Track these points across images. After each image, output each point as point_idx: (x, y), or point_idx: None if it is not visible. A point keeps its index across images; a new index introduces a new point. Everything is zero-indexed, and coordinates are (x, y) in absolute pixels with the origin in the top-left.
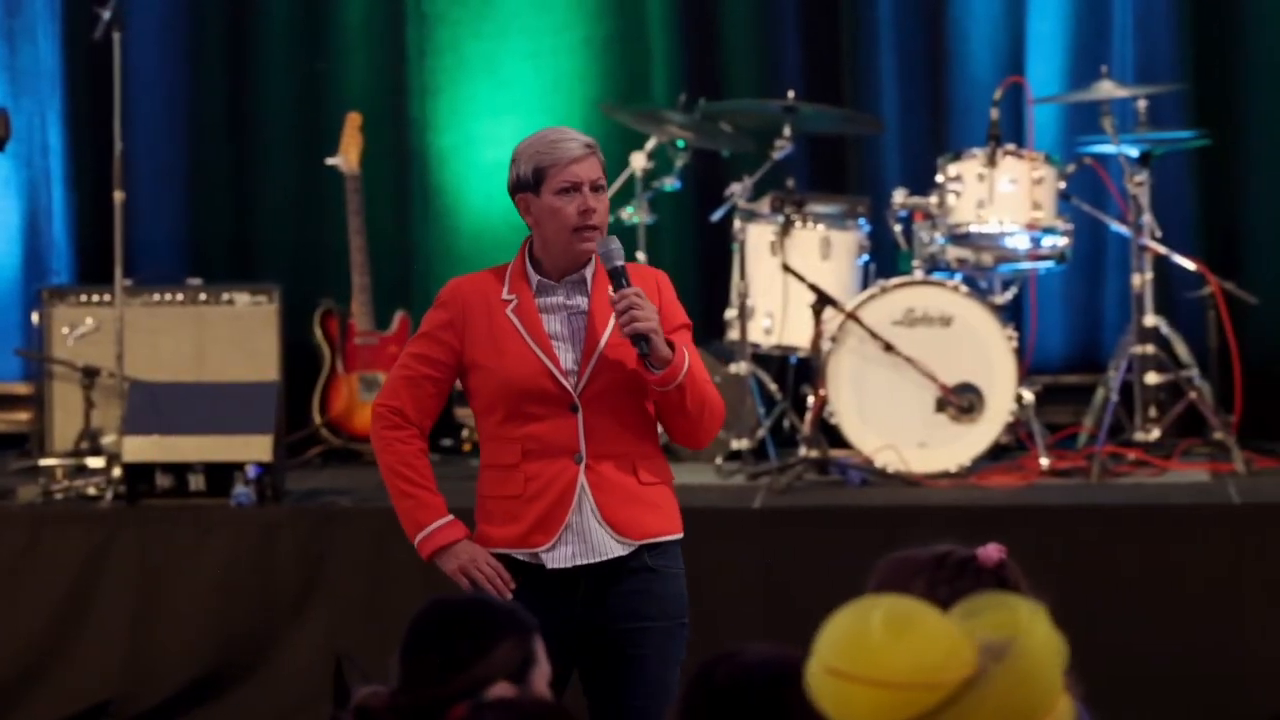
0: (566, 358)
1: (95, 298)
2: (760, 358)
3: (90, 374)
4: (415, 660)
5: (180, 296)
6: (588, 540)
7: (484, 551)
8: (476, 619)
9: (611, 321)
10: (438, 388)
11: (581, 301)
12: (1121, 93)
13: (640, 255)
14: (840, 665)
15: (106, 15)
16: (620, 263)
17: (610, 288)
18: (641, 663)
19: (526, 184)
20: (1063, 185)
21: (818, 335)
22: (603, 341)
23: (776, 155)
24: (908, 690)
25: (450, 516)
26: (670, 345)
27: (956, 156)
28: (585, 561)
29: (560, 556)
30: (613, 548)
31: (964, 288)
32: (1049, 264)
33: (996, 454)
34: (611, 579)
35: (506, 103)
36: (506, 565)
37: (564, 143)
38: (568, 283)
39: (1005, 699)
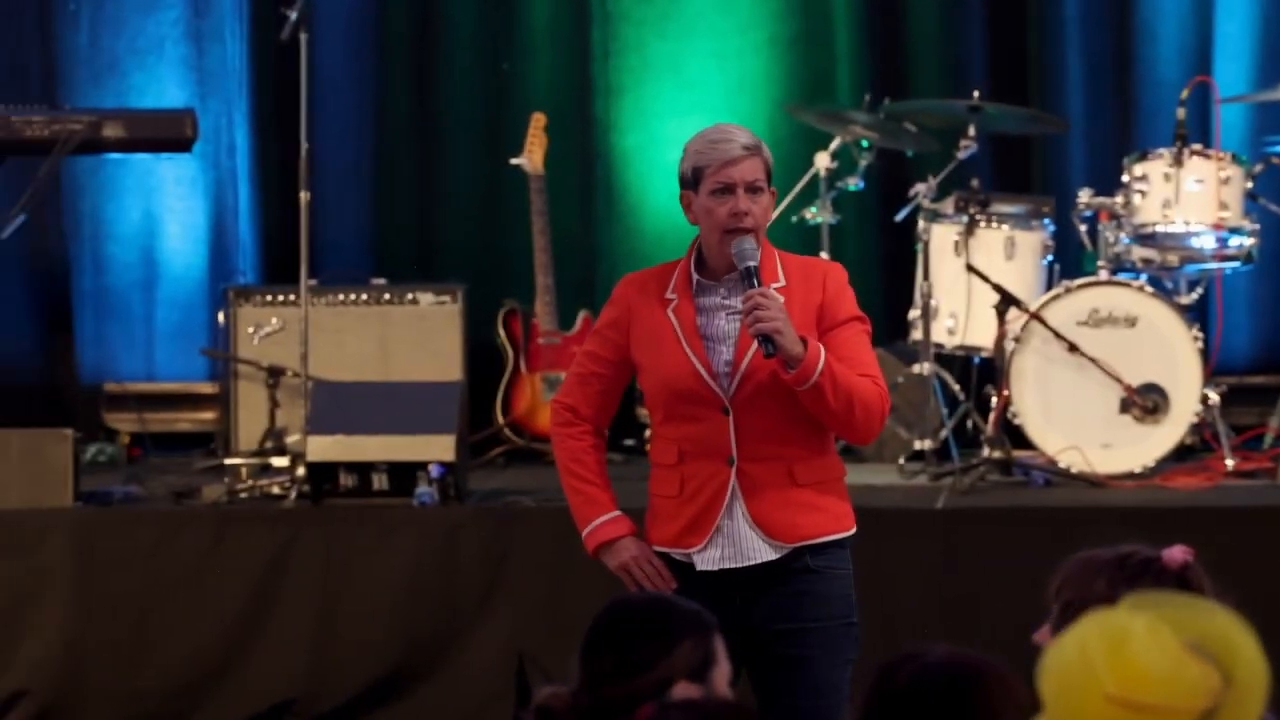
0: (720, 359)
1: (280, 297)
2: (943, 358)
3: (275, 373)
4: (596, 660)
5: (365, 296)
6: (736, 544)
7: (647, 549)
8: (658, 619)
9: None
10: (605, 385)
11: (739, 302)
12: None
13: (824, 254)
14: (1118, 691)
15: (294, 16)
16: (752, 263)
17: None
18: (806, 664)
19: (687, 182)
20: (1250, 185)
21: (1001, 335)
22: (755, 343)
23: (961, 155)
24: (1161, 714)
25: (616, 512)
26: (805, 343)
27: (1142, 156)
28: (732, 565)
29: (709, 559)
30: (763, 551)
31: (1149, 288)
32: (1235, 264)
33: (1181, 455)
34: (770, 581)
35: (691, 103)
36: (666, 565)
37: (724, 143)
38: (728, 281)
39: None
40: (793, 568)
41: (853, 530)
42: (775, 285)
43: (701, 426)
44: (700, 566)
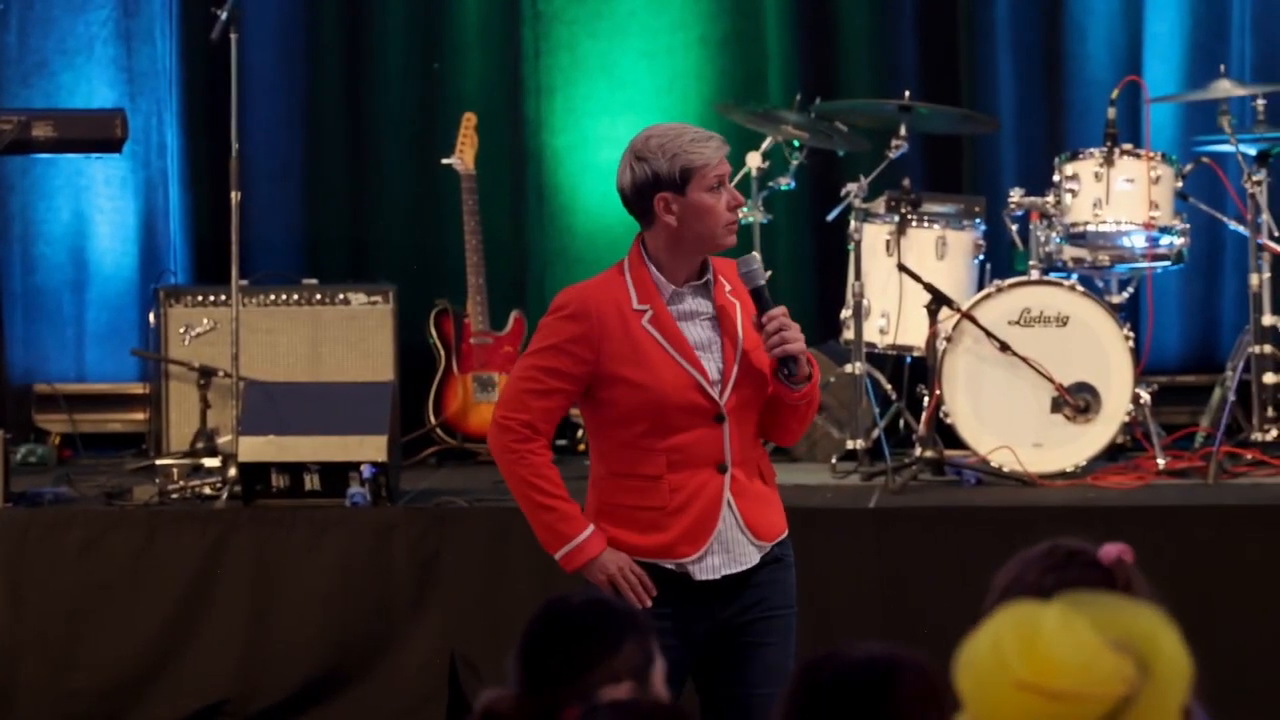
0: (711, 368)
1: (211, 298)
2: (875, 357)
3: (206, 374)
4: (538, 662)
5: (296, 296)
6: (731, 550)
7: (627, 559)
8: (598, 619)
9: (741, 328)
10: (568, 400)
11: (707, 305)
12: (1239, 91)
13: (756, 255)
14: (1029, 678)
15: (224, 16)
16: (763, 282)
17: (755, 307)
18: (764, 651)
19: (670, 183)
20: (1180, 185)
21: (933, 335)
22: (739, 350)
23: (892, 155)
24: (1073, 702)
25: (592, 527)
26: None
27: (1073, 156)
28: (730, 571)
29: (708, 568)
30: (752, 554)
31: (1080, 287)
32: (1166, 264)
33: (1113, 454)
34: (750, 578)
35: (622, 103)
36: (651, 575)
37: (705, 140)
38: (692, 286)
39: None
40: (765, 561)
41: None
42: (729, 290)
43: (692, 436)
44: (700, 576)
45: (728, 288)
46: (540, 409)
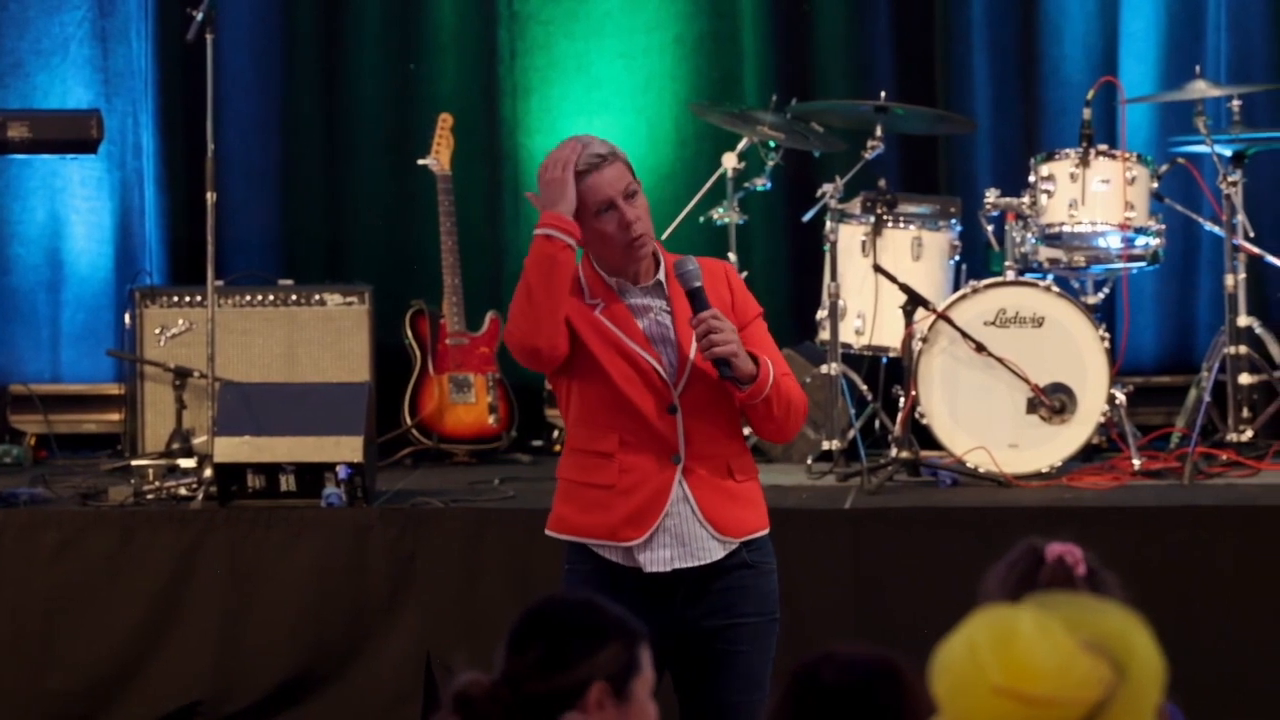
0: (665, 360)
1: (187, 298)
2: (851, 358)
3: (182, 375)
4: (520, 653)
5: (272, 297)
6: (687, 544)
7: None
8: (586, 619)
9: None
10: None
11: (662, 303)
12: (1215, 92)
13: (731, 256)
14: (1006, 683)
15: (199, 16)
16: (698, 284)
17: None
18: (737, 658)
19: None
20: (1155, 185)
21: (909, 336)
22: (694, 347)
23: (868, 155)
24: (1050, 706)
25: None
26: (755, 359)
27: (1049, 156)
28: (684, 565)
29: (659, 560)
30: (713, 550)
31: (1056, 288)
32: (1141, 264)
33: (1088, 455)
34: (711, 578)
35: (598, 103)
36: (606, 573)
37: (592, 165)
38: (643, 287)
39: None
40: (732, 564)
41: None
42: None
43: (644, 422)
44: (650, 568)
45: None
46: None
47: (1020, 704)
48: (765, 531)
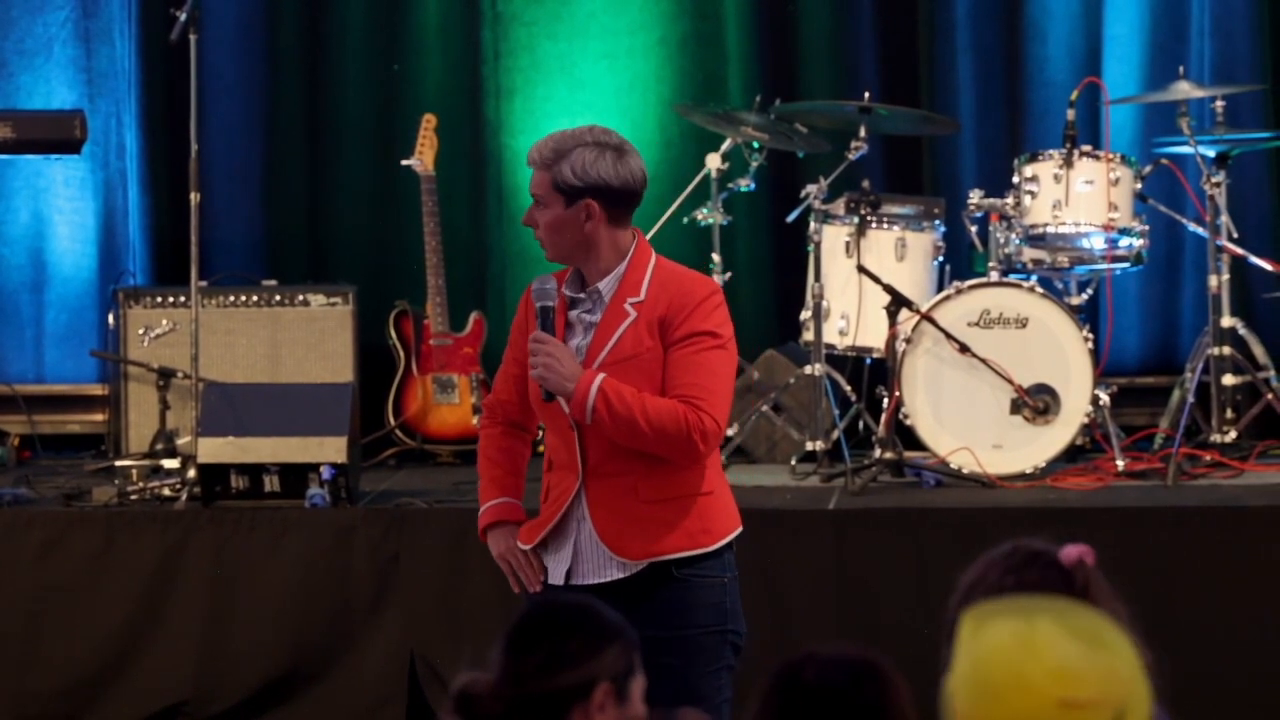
0: None
1: (171, 299)
2: (835, 359)
3: (165, 375)
4: (522, 653)
5: (255, 298)
6: (587, 560)
7: (512, 544)
8: (588, 620)
9: (614, 338)
10: (523, 384)
11: (592, 315)
12: (1199, 93)
13: (715, 257)
14: (1065, 694)
15: (183, 17)
16: (550, 303)
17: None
18: (669, 672)
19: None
20: (1139, 186)
21: (893, 337)
22: (600, 359)
23: (852, 156)
24: (1098, 709)
25: (504, 499)
26: (596, 389)
27: (1033, 157)
28: (580, 581)
29: (557, 573)
30: (611, 570)
31: (1040, 289)
32: (1125, 265)
33: (1072, 456)
34: (635, 592)
35: (582, 104)
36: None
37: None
38: (591, 293)
39: None
40: (656, 579)
41: (720, 544)
42: (634, 300)
43: (560, 438)
44: (550, 579)
45: (636, 298)
46: (502, 389)
47: (1078, 711)
48: (692, 552)
